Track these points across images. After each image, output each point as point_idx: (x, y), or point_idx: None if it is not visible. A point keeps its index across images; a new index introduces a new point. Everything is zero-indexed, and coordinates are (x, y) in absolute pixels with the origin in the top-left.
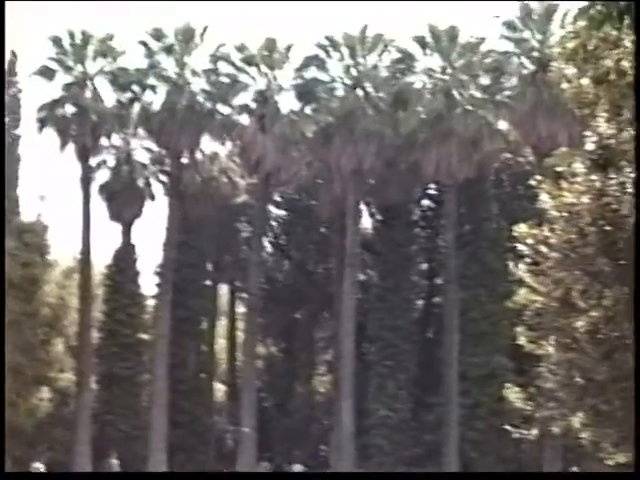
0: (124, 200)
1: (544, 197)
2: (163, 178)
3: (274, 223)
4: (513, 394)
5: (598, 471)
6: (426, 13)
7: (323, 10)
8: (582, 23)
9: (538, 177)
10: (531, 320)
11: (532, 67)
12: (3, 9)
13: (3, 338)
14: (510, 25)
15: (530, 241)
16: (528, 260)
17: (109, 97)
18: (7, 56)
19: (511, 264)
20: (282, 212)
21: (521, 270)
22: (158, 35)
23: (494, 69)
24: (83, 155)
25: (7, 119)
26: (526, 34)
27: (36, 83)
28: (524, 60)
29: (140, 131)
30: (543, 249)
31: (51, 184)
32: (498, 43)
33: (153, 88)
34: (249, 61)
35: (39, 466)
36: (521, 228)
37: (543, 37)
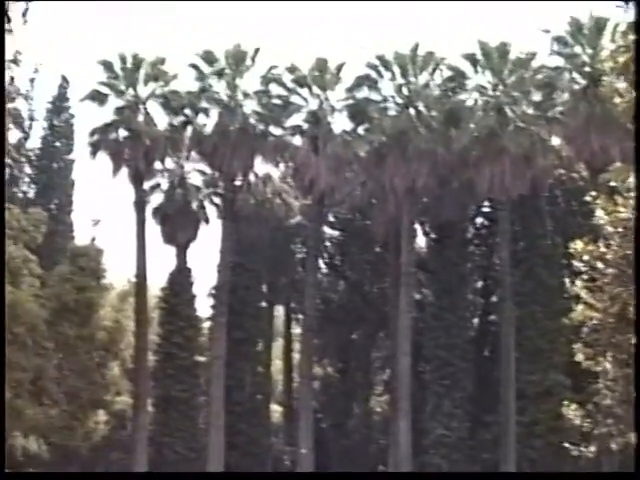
0: (178, 223)
1: (599, 213)
2: (217, 200)
3: (329, 243)
4: (571, 411)
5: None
6: (476, 29)
7: (373, 29)
8: (632, 37)
9: (593, 193)
10: (588, 337)
11: (584, 82)
12: (3, 9)
13: (3, 336)
14: (560, 40)
15: (586, 257)
16: (584, 276)
17: (161, 120)
18: (58, 81)
19: (567, 280)
20: (336, 232)
21: (577, 286)
22: (209, 58)
23: (545, 85)
24: (137, 179)
25: (59, 144)
26: (577, 49)
27: (88, 108)
28: (575, 75)
29: (193, 154)
30: (599, 265)
31: (105, 208)
32: (549, 58)
33: (205, 111)
34: (301, 82)
35: None
36: (577, 245)
37: (594, 51)
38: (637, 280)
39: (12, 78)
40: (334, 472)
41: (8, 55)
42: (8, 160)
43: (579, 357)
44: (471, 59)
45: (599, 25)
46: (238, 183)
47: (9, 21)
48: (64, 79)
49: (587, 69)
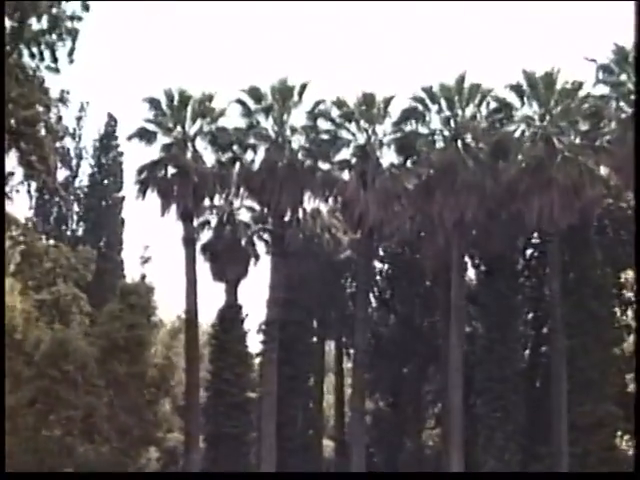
0: (228, 260)
1: None
2: (266, 237)
3: (378, 278)
4: (624, 442)
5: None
6: (520, 58)
7: (419, 61)
8: None
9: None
10: None
11: (630, 110)
12: (3, 9)
13: (3, 334)
14: (606, 68)
15: (637, 287)
16: (635, 306)
17: (209, 157)
18: (105, 118)
19: (617, 310)
20: (386, 266)
21: (628, 317)
22: (256, 94)
23: (592, 114)
24: (186, 216)
25: (107, 182)
26: (622, 77)
27: (135, 145)
28: (622, 103)
29: (242, 190)
30: None
31: (155, 245)
32: (595, 87)
33: (253, 147)
34: (348, 116)
35: None
36: (628, 274)
37: None
38: (637, 281)
39: (59, 117)
40: (334, 472)
41: (54, 93)
42: (56, 199)
43: (631, 387)
44: (517, 90)
45: None
46: (287, 219)
47: (55, 61)
48: (111, 117)
49: (633, 97)
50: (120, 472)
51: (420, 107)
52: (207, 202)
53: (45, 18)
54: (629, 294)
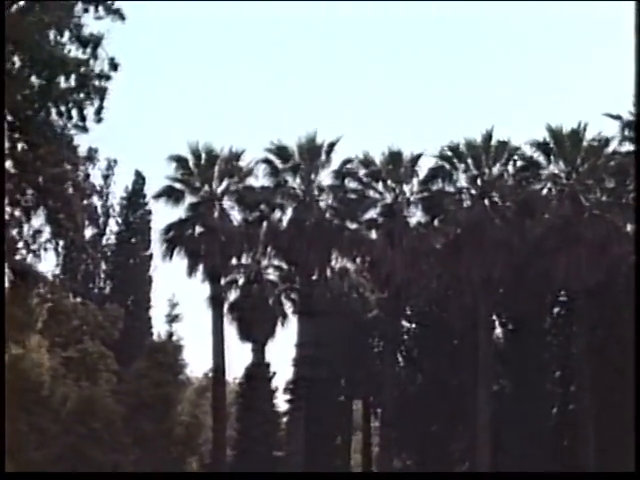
0: (255, 319)
1: None
2: (293, 296)
3: (406, 336)
4: None
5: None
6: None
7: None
8: None
9: None
10: None
11: None
12: (3, 9)
13: (3, 339)
14: (631, 125)
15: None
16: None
17: (236, 215)
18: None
19: None
20: (413, 325)
21: None
22: (283, 153)
23: (618, 171)
24: (213, 274)
25: (135, 240)
26: None
27: (162, 203)
28: None
29: (269, 249)
30: None
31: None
32: (620, 144)
33: (281, 206)
34: (375, 176)
35: None
36: None
37: None
38: (637, 286)
39: (87, 175)
40: (334, 472)
41: (82, 151)
42: (84, 256)
43: None
44: (543, 149)
45: None
46: (314, 278)
47: (83, 120)
48: (139, 174)
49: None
50: (120, 472)
51: (447, 165)
52: (234, 261)
53: (73, 76)
54: None
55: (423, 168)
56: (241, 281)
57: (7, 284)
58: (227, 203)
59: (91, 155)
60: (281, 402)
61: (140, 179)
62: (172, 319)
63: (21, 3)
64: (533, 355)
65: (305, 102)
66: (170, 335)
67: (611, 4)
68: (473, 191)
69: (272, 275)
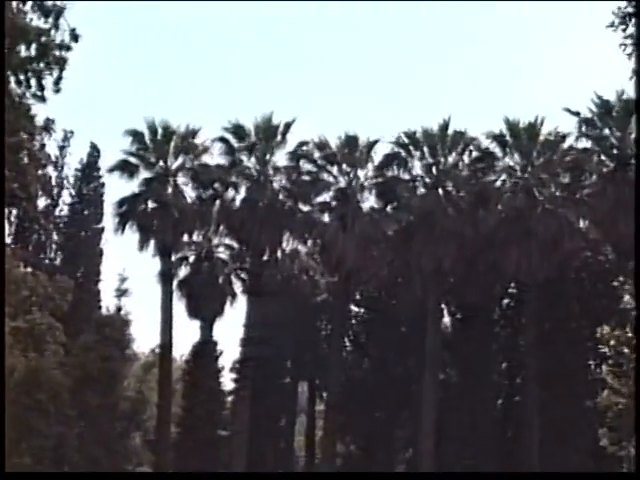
0: (204, 297)
1: (627, 298)
2: (243, 275)
3: (354, 321)
4: None
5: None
6: (504, 107)
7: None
8: None
9: (620, 278)
10: (613, 421)
11: (612, 165)
12: (3, 9)
13: (3, 341)
14: (589, 122)
15: (613, 342)
16: (610, 361)
17: (190, 193)
18: (87, 149)
19: (592, 364)
20: (362, 310)
21: (603, 371)
22: (239, 132)
23: (574, 167)
24: (164, 251)
25: (87, 212)
26: (605, 131)
27: (116, 177)
28: (604, 157)
29: (221, 228)
30: (626, 351)
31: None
32: (577, 140)
33: (235, 185)
34: (330, 159)
35: None
36: (604, 329)
37: (622, 134)
38: (637, 285)
39: (43, 145)
40: (334, 472)
41: (39, 121)
42: (36, 226)
43: (604, 442)
44: (500, 140)
45: (627, 107)
46: (265, 258)
47: (42, 89)
48: (94, 147)
49: (615, 152)
50: (120, 472)
51: (403, 152)
52: (186, 238)
53: (34, 46)
54: (605, 349)
55: (379, 154)
56: (192, 258)
57: None
58: (181, 180)
59: (48, 125)
60: (227, 381)
61: (95, 152)
62: (121, 293)
63: None
64: (480, 345)
65: (264, 83)
66: (119, 309)
67: None
68: (427, 179)
69: (223, 254)
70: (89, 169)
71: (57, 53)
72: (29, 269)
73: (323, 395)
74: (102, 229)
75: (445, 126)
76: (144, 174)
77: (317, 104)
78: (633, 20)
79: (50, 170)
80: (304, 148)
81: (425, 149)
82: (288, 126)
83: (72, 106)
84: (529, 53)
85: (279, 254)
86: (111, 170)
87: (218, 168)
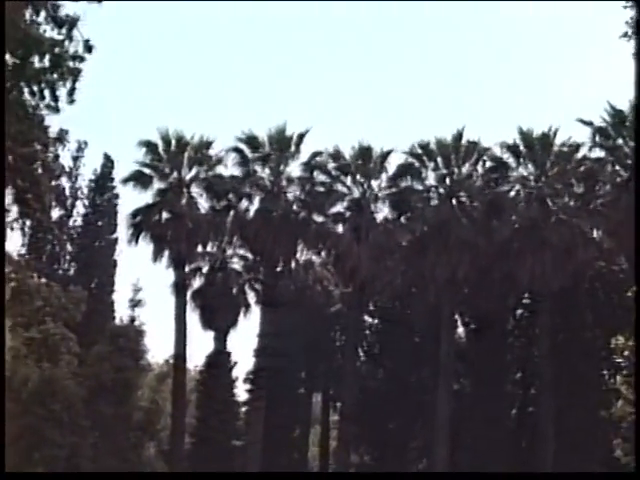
0: (218, 307)
1: None
2: (257, 286)
3: (368, 332)
4: None
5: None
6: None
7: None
8: None
9: (634, 288)
10: (627, 432)
11: (626, 174)
12: (3, 9)
13: (3, 340)
14: (602, 132)
15: (627, 353)
16: (624, 372)
17: (204, 203)
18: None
19: (606, 374)
20: (376, 321)
21: (617, 381)
22: (253, 143)
23: (588, 177)
24: (178, 261)
25: (101, 223)
26: (619, 141)
27: (130, 188)
28: (618, 167)
29: (235, 239)
30: None
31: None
32: (591, 150)
33: (249, 196)
34: (344, 170)
35: None
36: (618, 339)
37: (636, 144)
38: (637, 285)
39: (57, 156)
40: (334, 472)
41: (53, 132)
42: (49, 237)
43: (618, 452)
44: (513, 150)
45: None
46: (279, 269)
47: (56, 100)
48: (108, 158)
49: (629, 161)
50: (119, 472)
51: (416, 163)
52: (200, 249)
53: (47, 57)
54: (619, 359)
55: (392, 164)
56: (205, 269)
57: None
58: (195, 190)
59: (62, 136)
60: (241, 392)
61: (109, 162)
62: (135, 304)
63: None
64: (494, 356)
65: (278, 93)
66: (132, 320)
67: (590, 8)
68: (441, 190)
69: (237, 264)
70: (103, 180)
71: (71, 64)
72: (43, 280)
73: (337, 405)
74: (116, 240)
75: (459, 136)
76: (158, 185)
77: (331, 114)
78: None
79: (64, 181)
80: (318, 159)
81: (439, 159)
82: (302, 137)
83: (86, 117)
84: (542, 63)
85: (293, 265)
86: (125, 181)
87: (232, 179)
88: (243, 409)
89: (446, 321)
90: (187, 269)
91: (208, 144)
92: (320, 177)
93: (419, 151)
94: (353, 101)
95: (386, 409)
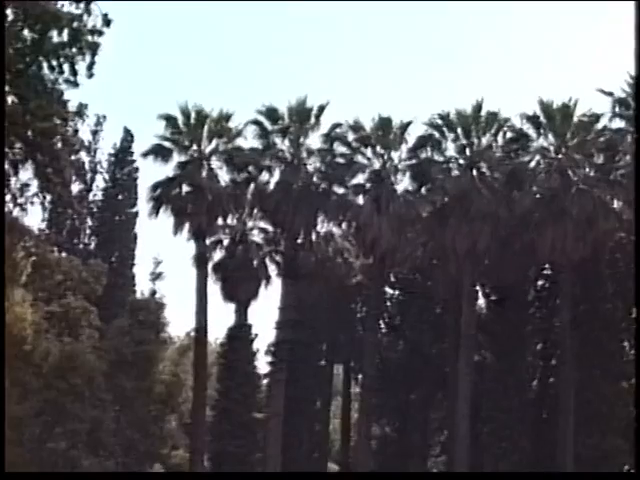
0: (239, 280)
1: None
2: (278, 258)
3: (389, 303)
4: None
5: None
6: (538, 83)
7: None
8: None
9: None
10: None
11: None
12: (3, 9)
13: (3, 335)
14: (622, 102)
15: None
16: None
17: (224, 176)
18: (120, 134)
19: (626, 345)
20: (397, 292)
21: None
22: (272, 115)
23: (608, 147)
24: (198, 234)
25: (121, 197)
26: None
27: (150, 161)
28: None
29: (255, 211)
30: None
31: (167, 262)
32: (611, 121)
33: (269, 168)
34: (364, 141)
35: None
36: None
37: None
38: (637, 284)
39: (76, 131)
40: (334, 472)
41: (72, 106)
42: (70, 211)
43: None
44: (533, 121)
45: None
46: (300, 241)
47: (75, 75)
48: (127, 132)
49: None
50: (119, 472)
51: (436, 134)
52: (220, 221)
53: (66, 31)
54: None
55: (412, 136)
56: (226, 241)
57: None
58: (215, 163)
59: (81, 110)
60: (262, 364)
61: (129, 136)
62: (156, 277)
63: None
64: (515, 327)
65: (298, 66)
66: (153, 293)
67: None
68: (461, 161)
69: (257, 237)
70: (122, 154)
71: (89, 38)
72: (63, 254)
73: (358, 377)
74: (136, 213)
75: (478, 107)
76: (178, 158)
77: (351, 86)
78: None
79: (83, 155)
80: (338, 130)
81: (459, 130)
82: (322, 109)
83: (105, 91)
84: (562, 33)
85: (313, 237)
86: (145, 154)
87: (252, 151)
88: (264, 381)
89: (467, 292)
90: (208, 242)
91: (228, 117)
92: (340, 149)
93: (439, 122)
94: (373, 73)
95: (407, 380)
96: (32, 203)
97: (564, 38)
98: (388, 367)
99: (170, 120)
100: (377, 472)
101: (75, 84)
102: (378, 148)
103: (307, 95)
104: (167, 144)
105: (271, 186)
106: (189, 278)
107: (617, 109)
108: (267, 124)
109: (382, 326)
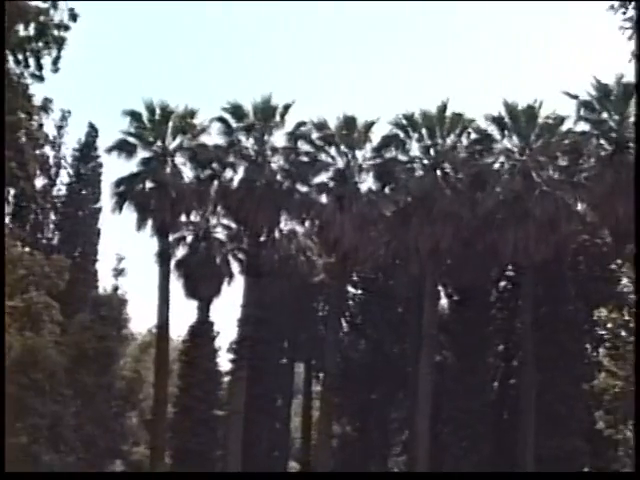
0: (201, 277)
1: (625, 281)
2: (240, 255)
3: (351, 302)
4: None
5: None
6: (502, 85)
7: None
8: None
9: (618, 261)
10: (609, 404)
11: (610, 148)
12: (3, 9)
13: (3, 336)
14: (587, 105)
15: (610, 325)
16: (607, 344)
17: (188, 173)
18: (84, 129)
19: (588, 347)
20: (359, 291)
21: (600, 354)
22: (238, 112)
23: (572, 150)
24: (161, 230)
25: (85, 192)
26: (604, 114)
27: (114, 157)
28: (602, 141)
29: (219, 208)
30: (623, 333)
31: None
32: (576, 123)
33: (233, 165)
34: (328, 140)
35: None
36: (601, 312)
37: (621, 118)
38: (637, 284)
39: (41, 125)
40: (335, 472)
41: (37, 101)
42: (33, 206)
43: (600, 424)
44: (498, 122)
45: (626, 91)
46: (263, 239)
47: (40, 69)
48: (92, 127)
49: (614, 135)
50: (119, 472)
51: (401, 134)
52: (183, 218)
53: (32, 25)
54: (602, 332)
55: (377, 135)
56: (189, 238)
57: None
58: (179, 159)
59: (46, 105)
60: (224, 361)
61: (93, 131)
62: (118, 273)
63: None
64: (477, 327)
65: (263, 64)
66: (116, 289)
67: None
68: (425, 161)
69: (220, 234)
70: (87, 149)
71: (56, 33)
72: (26, 248)
73: (319, 376)
74: (100, 209)
75: (443, 108)
76: (142, 154)
77: (316, 85)
78: (633, 3)
79: (48, 150)
80: (302, 129)
81: (423, 131)
82: (287, 107)
83: (70, 86)
84: (528, 36)
85: (276, 234)
86: (109, 150)
87: (216, 148)
88: (226, 379)
89: (429, 292)
90: (171, 238)
91: (192, 113)
92: (304, 147)
93: (404, 122)
94: (338, 72)
95: (368, 380)
96: None
97: (530, 40)
98: (349, 366)
99: (135, 116)
100: (338, 472)
101: (40, 78)
102: (342, 147)
103: (272, 93)
104: (131, 140)
105: (235, 183)
106: (152, 274)
107: (582, 112)
108: (232, 121)
109: (344, 325)
